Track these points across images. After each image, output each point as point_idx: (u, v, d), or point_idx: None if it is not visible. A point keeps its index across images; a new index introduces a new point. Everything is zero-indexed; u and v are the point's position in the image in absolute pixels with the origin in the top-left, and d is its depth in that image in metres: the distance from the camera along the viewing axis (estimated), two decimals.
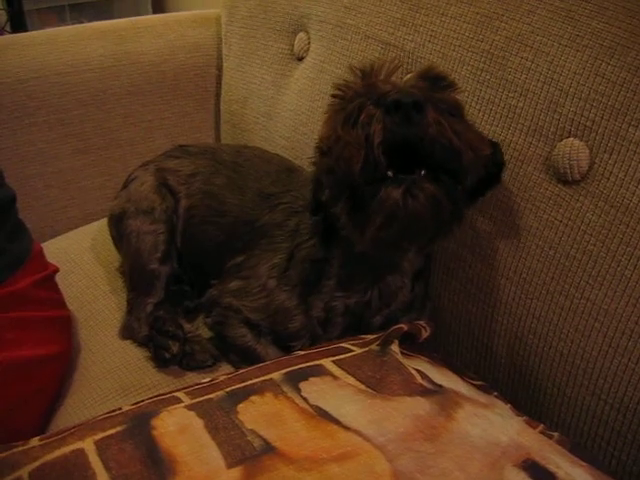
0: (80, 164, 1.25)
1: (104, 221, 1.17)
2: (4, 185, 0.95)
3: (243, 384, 0.68)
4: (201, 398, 0.67)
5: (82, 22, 2.30)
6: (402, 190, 0.66)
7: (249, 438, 0.60)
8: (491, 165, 0.77)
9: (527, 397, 0.85)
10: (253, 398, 0.66)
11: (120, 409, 0.67)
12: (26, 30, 2.26)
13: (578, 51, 0.76)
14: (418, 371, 0.70)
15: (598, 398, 0.76)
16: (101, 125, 1.26)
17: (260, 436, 0.60)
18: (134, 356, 0.94)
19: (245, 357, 0.89)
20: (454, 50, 0.88)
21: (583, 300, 0.76)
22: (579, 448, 0.67)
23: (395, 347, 0.73)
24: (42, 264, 0.98)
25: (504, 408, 0.71)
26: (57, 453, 0.60)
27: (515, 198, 0.82)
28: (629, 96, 0.72)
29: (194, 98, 1.34)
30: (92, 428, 0.64)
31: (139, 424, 0.63)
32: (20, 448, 0.64)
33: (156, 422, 0.63)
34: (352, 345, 0.77)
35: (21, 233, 0.96)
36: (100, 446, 0.60)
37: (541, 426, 0.70)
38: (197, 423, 0.62)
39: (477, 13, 0.86)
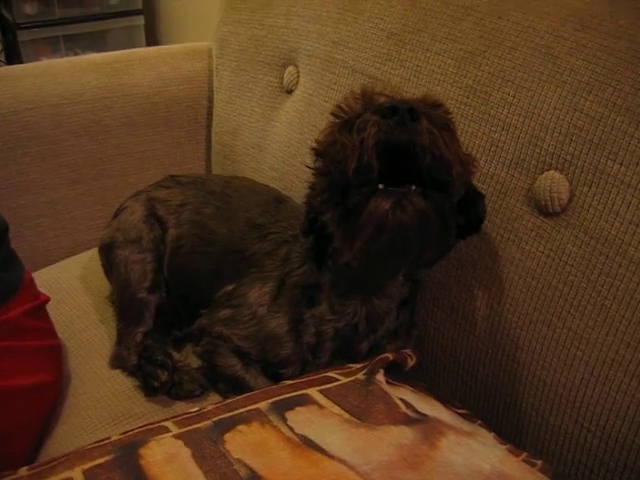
0: (72, 194, 1.27)
1: (95, 250, 1.18)
2: None
3: (230, 413, 0.69)
4: (189, 427, 0.67)
5: (76, 53, 2.33)
6: (392, 201, 0.67)
7: (235, 467, 0.61)
8: (473, 214, 0.79)
9: (511, 425, 0.86)
10: (240, 427, 0.67)
11: (109, 438, 0.68)
12: (21, 60, 2.29)
13: (558, 87, 0.79)
14: (402, 400, 0.72)
15: (581, 426, 0.77)
16: (94, 156, 1.27)
17: (246, 465, 0.61)
18: (124, 385, 0.95)
19: (234, 386, 0.90)
20: (438, 85, 0.91)
21: (565, 330, 0.77)
22: (562, 476, 0.68)
23: (380, 376, 0.75)
24: (33, 293, 0.99)
25: (487, 436, 0.72)
26: None
27: (498, 229, 0.84)
28: (607, 131, 0.74)
29: (186, 129, 1.36)
30: (81, 457, 0.64)
31: (127, 453, 0.63)
32: (9, 478, 0.64)
33: (144, 451, 0.63)
34: (338, 374, 0.78)
35: (13, 263, 0.97)
36: (89, 475, 0.61)
37: (524, 454, 0.71)
38: (185, 452, 0.63)
39: (461, 49, 0.89)
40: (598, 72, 0.76)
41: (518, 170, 0.82)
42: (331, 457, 0.62)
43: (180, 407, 0.91)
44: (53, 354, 0.98)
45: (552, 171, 0.79)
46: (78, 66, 1.29)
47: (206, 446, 0.64)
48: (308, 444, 0.64)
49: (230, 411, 0.70)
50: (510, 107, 0.83)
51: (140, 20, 2.46)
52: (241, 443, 0.64)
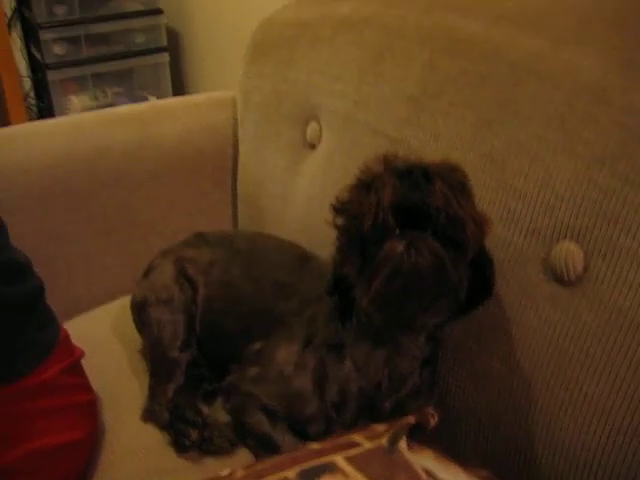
0: (103, 244, 1.32)
1: (126, 299, 1.22)
2: (33, 275, 1.01)
3: None
4: None
5: (104, 90, 2.40)
6: (406, 243, 0.71)
7: None
8: (482, 278, 0.82)
9: None
10: None
11: None
12: (50, 98, 2.36)
13: (571, 159, 0.81)
14: (424, 469, 0.74)
15: None
16: (123, 207, 1.32)
17: None
18: (156, 439, 0.98)
19: (262, 443, 0.93)
20: (456, 150, 0.94)
21: (582, 395, 0.80)
22: None
23: (403, 443, 0.77)
24: (69, 350, 1.02)
25: None
26: None
27: (515, 295, 0.86)
28: (620, 204, 0.77)
29: (212, 178, 1.40)
30: None
31: None
32: None
33: None
34: (362, 438, 0.81)
35: (49, 321, 1.00)
36: None
37: None
38: None
39: (478, 117, 0.92)
40: (611, 146, 0.78)
41: (534, 238, 0.85)
42: None
43: (210, 462, 0.94)
44: (87, 410, 1.01)
45: (567, 241, 0.81)
46: (107, 120, 1.34)
47: None
48: None
49: (260, 478, 0.73)
50: (526, 177, 0.86)
51: (165, 57, 2.53)
52: None
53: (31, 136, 1.27)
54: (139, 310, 1.07)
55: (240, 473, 0.76)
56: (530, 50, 0.90)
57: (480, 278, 0.82)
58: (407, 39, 1.05)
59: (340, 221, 0.81)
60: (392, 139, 1.03)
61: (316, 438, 0.90)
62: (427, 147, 0.98)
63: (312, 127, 1.20)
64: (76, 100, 2.37)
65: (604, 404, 0.78)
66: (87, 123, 1.32)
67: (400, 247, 0.72)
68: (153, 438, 0.99)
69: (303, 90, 1.21)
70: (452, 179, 0.76)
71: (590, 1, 0.94)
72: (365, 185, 0.77)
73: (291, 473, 0.74)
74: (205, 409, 1.02)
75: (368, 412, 0.90)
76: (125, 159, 1.32)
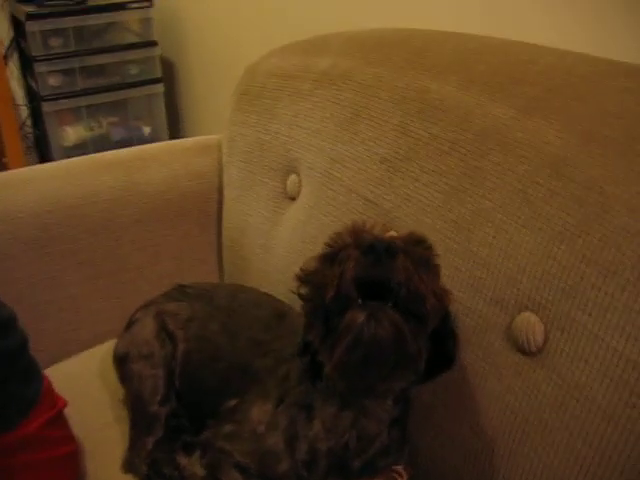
0: (91, 289, 1.34)
1: (113, 343, 1.25)
2: (17, 329, 1.02)
3: None
4: None
5: (99, 121, 2.43)
6: (367, 314, 0.73)
7: None
8: (442, 353, 0.85)
9: None
10: None
11: None
12: (45, 128, 2.39)
13: (533, 232, 0.84)
14: None
15: None
16: (110, 252, 1.35)
17: None
18: None
19: None
20: (426, 215, 0.96)
21: (541, 465, 0.82)
22: None
23: None
24: (52, 401, 1.04)
25: None
26: None
27: (480, 362, 0.89)
28: (577, 281, 0.79)
29: (197, 222, 1.43)
30: None
31: None
32: None
33: None
34: None
35: (32, 375, 1.01)
36: None
37: None
38: None
39: (446, 184, 0.95)
40: (570, 222, 0.81)
41: (497, 308, 0.87)
42: None
43: None
44: (68, 462, 1.03)
45: (529, 312, 0.84)
46: (95, 166, 1.36)
47: None
48: None
49: None
50: (490, 247, 0.88)
51: (160, 88, 2.56)
52: None
53: (23, 184, 1.30)
54: (121, 363, 1.10)
55: None
56: (498, 118, 0.92)
57: (442, 349, 0.84)
58: (381, 99, 1.08)
59: (304, 291, 0.84)
60: (366, 199, 1.06)
61: None
62: (399, 210, 1.01)
63: (292, 179, 1.23)
64: (71, 131, 2.41)
65: (562, 475, 0.80)
66: (76, 169, 1.35)
67: (361, 318, 0.74)
68: None
69: (284, 143, 1.24)
70: (416, 254, 0.78)
71: (559, 70, 0.96)
72: (330, 257, 0.80)
73: None
74: (184, 460, 1.04)
75: (338, 470, 0.93)
76: (112, 204, 1.34)
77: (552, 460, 0.81)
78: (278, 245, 1.24)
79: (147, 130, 2.58)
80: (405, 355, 0.77)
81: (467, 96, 0.97)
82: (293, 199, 1.23)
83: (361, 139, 1.09)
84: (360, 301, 0.75)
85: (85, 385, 1.22)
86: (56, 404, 1.05)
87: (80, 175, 1.34)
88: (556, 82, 0.94)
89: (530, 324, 0.83)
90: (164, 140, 2.65)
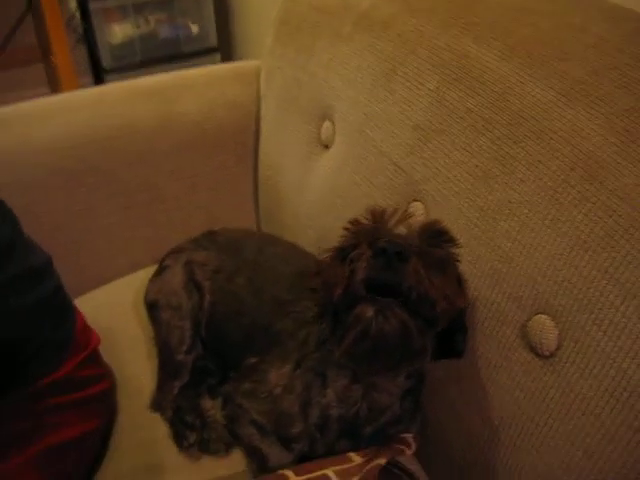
0: (126, 218, 1.37)
1: (147, 271, 1.30)
2: (53, 272, 1.05)
3: None
4: None
5: (147, 19, 2.35)
6: (375, 310, 0.74)
7: None
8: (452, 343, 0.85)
9: None
10: None
11: None
12: (92, 27, 2.32)
13: (558, 236, 0.81)
14: None
15: None
16: (146, 182, 1.36)
17: None
18: (161, 432, 1.07)
19: (251, 454, 1.01)
20: (453, 195, 0.93)
21: (541, 463, 0.84)
22: None
23: None
24: (85, 341, 1.08)
25: None
26: None
27: (493, 354, 0.89)
28: (597, 295, 0.77)
29: (234, 153, 1.42)
30: None
31: None
32: None
33: None
34: (336, 475, 0.88)
35: (65, 318, 1.04)
36: None
37: None
38: None
39: (477, 166, 0.90)
40: (596, 233, 0.77)
41: (515, 304, 0.86)
42: None
43: (207, 462, 1.03)
44: (101, 400, 1.08)
45: (545, 316, 0.82)
46: (129, 95, 1.35)
47: None
48: None
49: None
50: (513, 242, 0.85)
51: None
52: None
53: (55, 113, 1.30)
54: (150, 308, 1.14)
55: None
56: (537, 101, 0.86)
57: (451, 342, 0.85)
58: (420, 58, 1.01)
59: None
60: (396, 165, 1.02)
61: (300, 455, 0.98)
62: (427, 183, 0.97)
63: (326, 126, 1.19)
64: (118, 28, 2.35)
65: (560, 476, 0.82)
66: (110, 98, 1.33)
67: (370, 312, 0.74)
68: (159, 431, 1.08)
69: (320, 86, 1.19)
70: (431, 256, 0.77)
71: (611, 44, 0.88)
72: (342, 254, 0.79)
73: None
74: (208, 403, 1.10)
75: (349, 435, 0.97)
76: (148, 135, 1.34)
77: (552, 462, 0.82)
78: (309, 191, 1.23)
79: (195, 29, 2.50)
80: (410, 351, 0.78)
81: (507, 69, 0.91)
82: (327, 147, 1.20)
83: (396, 99, 1.04)
84: (369, 296, 0.75)
85: (119, 316, 1.27)
86: (89, 343, 1.09)
87: (114, 105, 1.33)
88: (605, 61, 0.86)
89: (545, 327, 0.82)
90: (211, 40, 2.58)
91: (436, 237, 0.81)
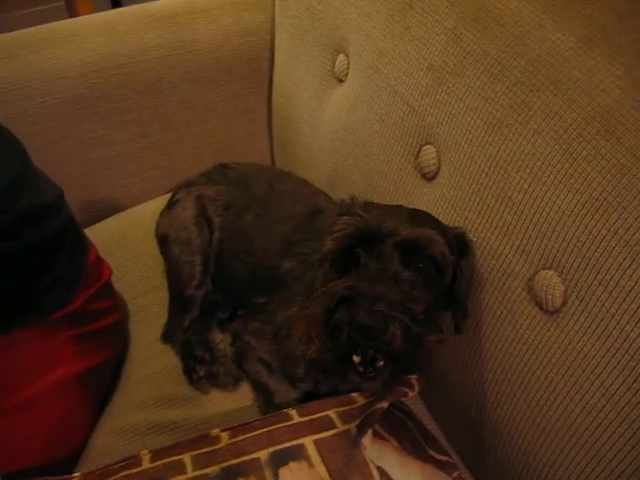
0: (138, 147, 1.35)
1: (160, 200, 1.30)
2: (62, 209, 1.05)
3: (236, 460, 0.83)
4: (200, 472, 0.82)
5: None
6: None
7: None
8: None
9: (494, 460, 0.97)
10: None
11: (139, 463, 0.84)
12: None
13: (570, 192, 0.78)
14: (379, 469, 0.83)
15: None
16: (158, 111, 1.34)
17: None
18: (171, 363, 1.10)
19: (259, 389, 1.04)
20: (466, 142, 0.91)
21: (540, 416, 0.85)
22: None
23: (367, 440, 0.86)
24: (98, 273, 1.09)
25: None
26: None
27: (499, 305, 0.88)
28: (605, 256, 0.75)
29: (248, 81, 1.38)
30: None
31: None
32: None
33: None
34: (338, 417, 0.90)
35: (79, 249, 1.05)
36: None
37: None
38: None
39: (491, 113, 0.87)
40: (609, 192, 0.75)
41: (523, 257, 0.84)
42: None
43: (216, 395, 1.06)
44: (115, 330, 1.11)
45: (552, 272, 0.81)
46: (140, 21, 1.31)
47: None
48: None
49: (237, 456, 0.84)
50: (524, 194, 0.83)
51: None
52: None
53: (64, 41, 1.26)
54: (161, 241, 1.15)
55: (225, 440, 0.88)
56: (556, 47, 0.82)
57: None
58: None
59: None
60: (409, 106, 0.99)
61: (306, 394, 1.01)
62: (440, 127, 0.95)
63: (340, 60, 1.15)
64: None
65: (557, 430, 0.83)
66: (120, 26, 1.29)
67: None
68: (170, 362, 1.11)
69: (334, 17, 1.15)
70: (412, 310, 0.77)
71: None
72: (322, 319, 0.78)
73: (264, 454, 0.84)
74: (218, 337, 1.12)
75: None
76: (159, 63, 1.30)
77: (551, 415, 0.83)
78: (322, 126, 1.20)
79: None
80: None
81: (528, 10, 0.86)
82: (341, 81, 1.17)
83: (411, 36, 0.99)
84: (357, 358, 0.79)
85: (131, 246, 1.28)
86: (101, 275, 1.10)
87: (125, 31, 1.30)
88: (633, 8, 0.81)
89: (552, 283, 0.81)
90: None
91: (418, 254, 0.82)
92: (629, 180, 0.74)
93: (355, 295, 0.75)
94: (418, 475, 0.85)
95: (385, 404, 0.90)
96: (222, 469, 0.82)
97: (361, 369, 0.79)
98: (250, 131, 1.42)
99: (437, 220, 0.88)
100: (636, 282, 0.72)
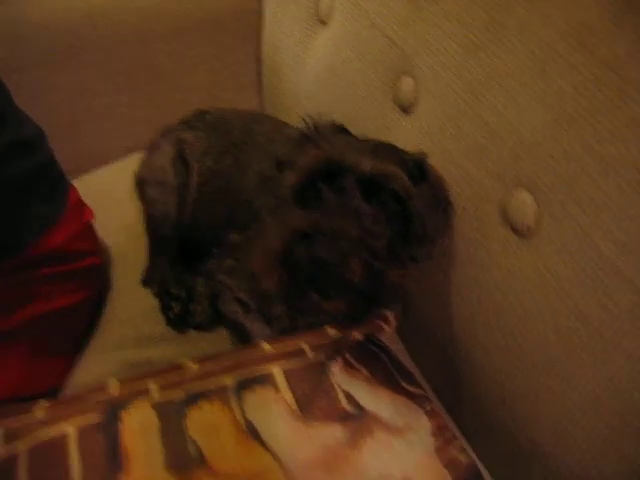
0: (127, 98, 1.35)
1: None
2: (44, 147, 1.05)
3: (200, 387, 0.82)
4: (165, 397, 0.81)
5: None
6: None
7: (189, 446, 0.75)
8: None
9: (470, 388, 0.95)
10: (203, 404, 0.79)
11: (105, 389, 0.83)
12: None
13: (544, 109, 0.77)
14: (347, 394, 0.82)
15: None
16: (146, 62, 1.33)
17: (197, 446, 0.75)
18: (150, 305, 1.09)
19: (234, 328, 1.02)
20: (443, 69, 0.89)
21: (514, 343, 0.83)
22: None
23: (335, 367, 0.84)
24: (77, 215, 1.09)
25: (421, 430, 0.82)
26: (50, 433, 0.77)
27: (474, 232, 0.86)
28: (577, 171, 0.73)
29: (236, 33, 1.37)
30: (80, 411, 0.79)
31: (112, 416, 0.77)
32: (24, 421, 0.81)
33: (124, 415, 0.78)
34: (309, 346, 0.88)
35: (57, 189, 1.05)
36: (82, 435, 0.76)
37: (455, 449, 0.80)
38: (155, 424, 0.77)
39: (467, 38, 0.86)
40: (582, 105, 0.73)
41: (497, 181, 0.82)
42: (266, 449, 0.75)
43: (192, 335, 1.05)
44: (92, 273, 1.11)
45: (526, 192, 0.79)
46: None
47: (172, 420, 0.77)
48: (251, 431, 0.76)
49: (203, 379, 0.83)
50: (499, 116, 0.81)
51: None
52: (199, 421, 0.77)
53: None
54: (139, 186, 1.14)
55: (192, 370, 0.86)
56: None
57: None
58: None
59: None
60: (389, 38, 0.98)
61: (281, 332, 0.99)
62: (418, 57, 0.93)
63: (324, 1, 1.14)
64: None
65: (532, 357, 0.81)
66: None
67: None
68: (148, 304, 1.10)
69: None
70: (373, 248, 0.76)
71: None
72: (280, 253, 0.77)
73: (230, 380, 0.83)
74: (197, 280, 1.11)
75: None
76: (146, 13, 1.30)
77: (524, 340, 0.82)
78: (307, 70, 1.19)
79: None
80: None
81: None
82: (324, 24, 1.15)
83: None
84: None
85: (117, 197, 1.26)
86: (82, 217, 1.10)
87: None
88: None
89: (525, 204, 0.79)
90: None
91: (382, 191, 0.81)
92: (603, 93, 0.72)
93: (315, 231, 0.74)
94: (388, 403, 0.83)
95: (358, 335, 0.89)
96: (187, 393, 0.81)
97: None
98: (240, 84, 1.42)
99: (401, 151, 0.87)
100: (609, 196, 0.71)
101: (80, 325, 1.09)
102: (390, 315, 0.93)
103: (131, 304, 1.11)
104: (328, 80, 1.12)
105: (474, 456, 0.82)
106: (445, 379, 0.98)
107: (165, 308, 1.06)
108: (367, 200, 0.79)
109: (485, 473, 0.86)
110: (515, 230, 0.81)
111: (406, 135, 0.96)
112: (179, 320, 1.06)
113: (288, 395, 0.81)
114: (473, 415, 0.94)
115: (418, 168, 0.86)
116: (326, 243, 0.72)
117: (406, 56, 0.95)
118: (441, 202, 0.88)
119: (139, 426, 0.77)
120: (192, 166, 1.10)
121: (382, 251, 0.75)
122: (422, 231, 0.84)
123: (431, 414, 0.85)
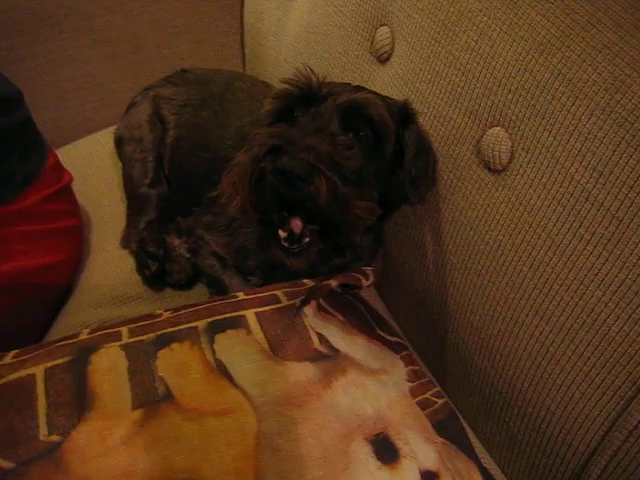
0: (109, 68, 1.34)
1: None
2: (21, 107, 1.04)
3: (172, 329, 0.80)
4: (135, 339, 0.79)
5: None
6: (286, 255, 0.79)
7: (157, 384, 0.73)
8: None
9: (448, 346, 0.93)
10: (174, 346, 0.78)
11: (76, 336, 0.82)
12: None
13: (515, 41, 0.76)
14: (320, 335, 0.80)
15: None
16: (128, 31, 1.33)
17: (166, 384, 0.73)
18: (127, 267, 1.08)
19: (213, 284, 1.01)
20: (417, 13, 0.88)
21: (490, 283, 0.82)
22: (448, 421, 0.76)
23: (309, 309, 0.83)
24: (56, 176, 1.09)
25: (397, 373, 0.81)
26: (17, 375, 0.76)
27: (449, 175, 0.85)
28: (548, 99, 0.72)
29: (219, 3, 1.37)
30: (48, 355, 0.78)
31: (80, 358, 0.76)
32: None
33: (94, 357, 0.76)
34: (284, 295, 0.87)
35: (35, 151, 1.05)
36: (48, 374, 0.75)
37: (431, 392, 0.79)
38: (123, 364, 0.75)
39: None
40: (552, 33, 0.72)
41: (472, 119, 0.82)
42: (235, 386, 0.73)
43: (169, 294, 1.04)
44: (72, 234, 1.09)
45: (499, 128, 0.78)
46: None
47: (141, 360, 0.76)
48: (221, 370, 0.74)
49: (175, 325, 0.81)
50: (472, 53, 0.81)
51: None
52: (169, 361, 0.76)
53: None
54: (118, 145, 1.13)
55: (165, 316, 0.85)
56: None
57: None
58: None
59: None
60: None
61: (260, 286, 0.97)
62: (393, 4, 0.93)
63: None
64: None
65: (507, 295, 0.80)
66: None
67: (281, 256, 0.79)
68: (126, 265, 1.08)
69: None
70: (342, 165, 0.74)
71: None
72: (248, 168, 0.76)
73: (202, 323, 0.81)
74: (175, 241, 1.09)
75: (310, 272, 0.95)
76: None
77: (500, 280, 0.80)
78: (287, 34, 1.18)
79: None
80: None
81: None
82: None
83: None
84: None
85: (99, 163, 1.26)
86: (61, 179, 1.09)
87: None
88: None
89: (499, 140, 0.78)
90: None
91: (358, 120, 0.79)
92: (573, 19, 0.71)
93: (284, 144, 0.72)
94: (363, 347, 0.81)
95: (333, 282, 0.87)
96: (157, 336, 0.79)
97: (286, 244, 0.76)
98: (222, 55, 1.41)
99: (382, 95, 0.86)
100: (579, 120, 0.70)
101: (57, 287, 1.08)
102: (369, 271, 0.91)
103: (109, 267, 1.09)
104: (307, 39, 1.11)
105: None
106: (424, 333, 0.97)
107: (141, 267, 1.04)
108: (344, 130, 0.77)
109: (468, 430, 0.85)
110: (489, 168, 0.80)
111: (383, 84, 0.95)
112: (155, 278, 1.04)
113: (260, 336, 0.79)
114: (453, 365, 0.92)
115: (403, 112, 0.85)
116: (293, 154, 0.70)
117: (382, 5, 0.94)
118: (427, 147, 0.87)
119: (107, 366, 0.75)
120: (168, 119, 1.09)
121: (351, 175, 0.73)
122: (415, 172, 0.83)
123: (407, 359, 0.84)
